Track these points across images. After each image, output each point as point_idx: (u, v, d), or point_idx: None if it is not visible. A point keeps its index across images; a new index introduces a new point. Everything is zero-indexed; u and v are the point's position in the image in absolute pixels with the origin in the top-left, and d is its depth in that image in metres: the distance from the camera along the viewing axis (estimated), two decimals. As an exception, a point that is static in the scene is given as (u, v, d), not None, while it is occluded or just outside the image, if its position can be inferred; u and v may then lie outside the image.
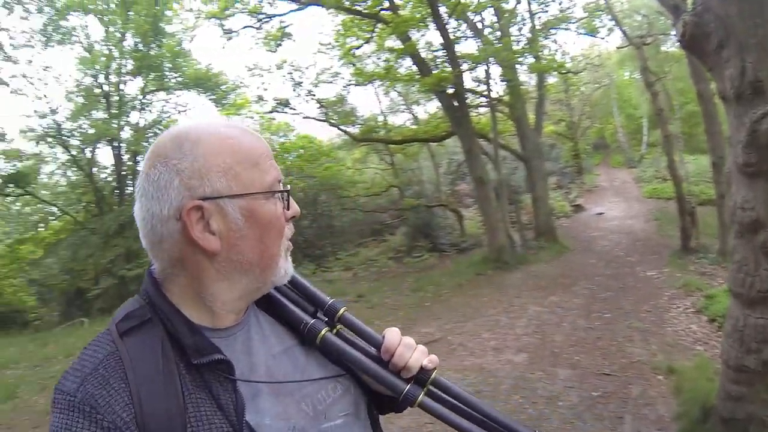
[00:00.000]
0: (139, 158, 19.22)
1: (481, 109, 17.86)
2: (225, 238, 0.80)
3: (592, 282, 10.37)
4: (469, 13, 14.53)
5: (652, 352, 6.11)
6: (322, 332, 0.91)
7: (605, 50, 30.51)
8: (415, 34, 14.19)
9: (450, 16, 12.96)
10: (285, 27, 15.66)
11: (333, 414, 0.89)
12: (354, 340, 0.95)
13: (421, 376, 0.92)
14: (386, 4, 14.22)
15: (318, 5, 14.53)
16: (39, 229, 19.43)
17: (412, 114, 25.89)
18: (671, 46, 24.78)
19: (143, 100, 19.08)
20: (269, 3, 14.96)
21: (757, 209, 3.37)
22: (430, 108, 24.99)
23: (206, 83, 19.34)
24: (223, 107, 19.42)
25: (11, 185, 16.76)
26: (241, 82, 18.48)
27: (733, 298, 3.70)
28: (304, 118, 17.84)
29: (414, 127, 21.33)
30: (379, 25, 15.13)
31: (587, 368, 5.79)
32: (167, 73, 19.04)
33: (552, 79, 20.53)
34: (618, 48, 22.42)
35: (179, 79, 19.33)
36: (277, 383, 0.85)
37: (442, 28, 12.69)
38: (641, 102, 33.56)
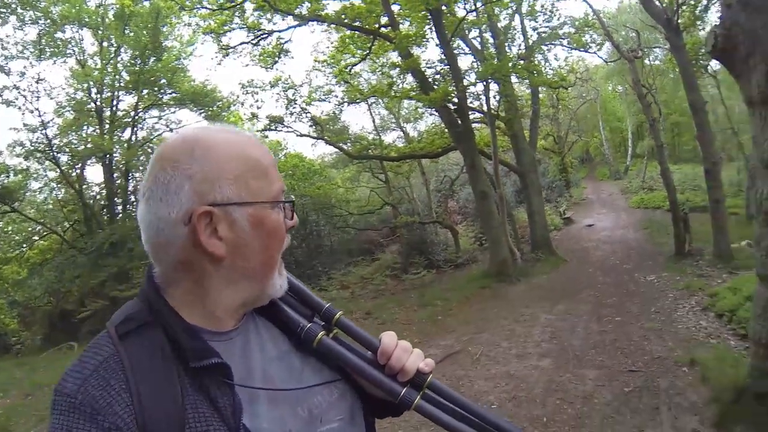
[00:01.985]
0: (131, 175, 19.08)
1: (476, 125, 18.15)
2: (231, 245, 0.81)
3: (595, 290, 10.64)
4: (466, 30, 14.93)
5: (670, 348, 6.37)
6: (319, 336, 0.91)
7: (591, 65, 31.47)
8: (415, 50, 14.37)
9: (452, 34, 13.24)
10: (283, 43, 15.89)
11: (329, 418, 0.90)
12: (350, 344, 0.95)
13: (418, 380, 0.92)
14: (384, 21, 14.50)
15: (318, 21, 14.73)
16: (23, 249, 18.86)
17: (403, 131, 26.27)
18: (654, 59, 25.84)
19: (136, 117, 18.99)
20: (267, 19, 15.12)
21: (782, 199, 3.72)
22: (420, 126, 25.53)
23: (201, 100, 19.24)
24: (216, 125, 19.33)
25: (-4, 202, 16.22)
26: (235, 99, 18.43)
27: (761, 281, 4.07)
28: (299, 136, 17.94)
29: (407, 144, 21.55)
30: (377, 42, 15.41)
31: (612, 367, 6.01)
32: (162, 89, 19.00)
33: (541, 95, 20.95)
34: (608, 62, 23.04)
35: (174, 95, 19.27)
36: (271, 390, 0.86)
37: (446, 43, 12.93)
38: (627, 115, 34.61)
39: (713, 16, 14.61)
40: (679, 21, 12.45)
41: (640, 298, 9.42)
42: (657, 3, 12.42)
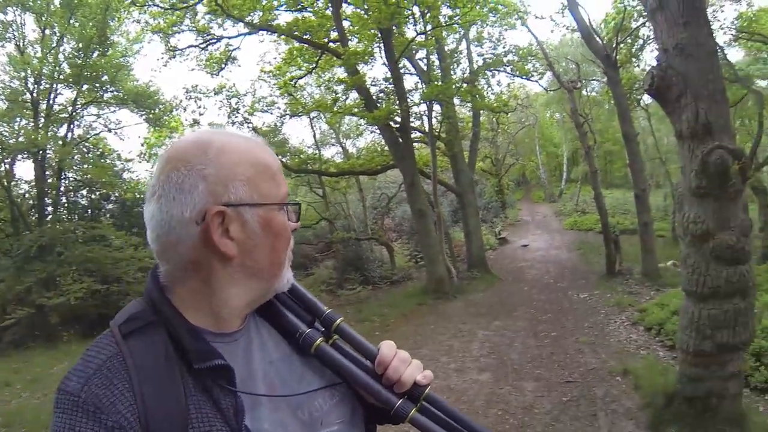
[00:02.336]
0: (64, 174, 18.13)
1: (416, 144, 18.44)
2: (241, 245, 0.82)
3: (531, 306, 11.07)
4: (413, 51, 15.31)
5: (604, 360, 6.83)
6: (317, 342, 0.91)
7: (532, 92, 32.90)
8: (361, 68, 14.50)
9: (400, 55, 13.53)
10: (231, 50, 15.72)
11: (329, 421, 0.90)
12: (349, 351, 0.95)
13: (415, 392, 0.91)
14: (333, 35, 14.64)
15: (269, 31, 14.72)
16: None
17: (343, 147, 26.54)
18: (591, 90, 27.48)
19: (74, 113, 17.87)
20: (218, 24, 14.92)
21: (707, 222, 4.24)
22: (359, 143, 25.77)
23: (143, 101, 18.34)
24: (156, 129, 18.89)
25: None
26: (178, 104, 17.61)
27: (687, 296, 4.51)
28: (239, 147, 17.68)
29: (346, 160, 21.65)
30: (324, 56, 15.52)
31: (550, 379, 6.35)
32: (105, 86, 17.99)
33: (482, 118, 21.63)
34: (548, 90, 24.08)
35: (116, 93, 18.34)
36: (273, 396, 0.86)
37: (393, 63, 13.18)
38: (563, 141, 36.31)
39: (648, 55, 15.91)
40: (617, 57, 13.59)
41: (574, 314, 9.94)
42: (598, 40, 13.41)
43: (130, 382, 0.73)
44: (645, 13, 13.89)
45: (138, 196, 18.06)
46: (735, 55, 23.67)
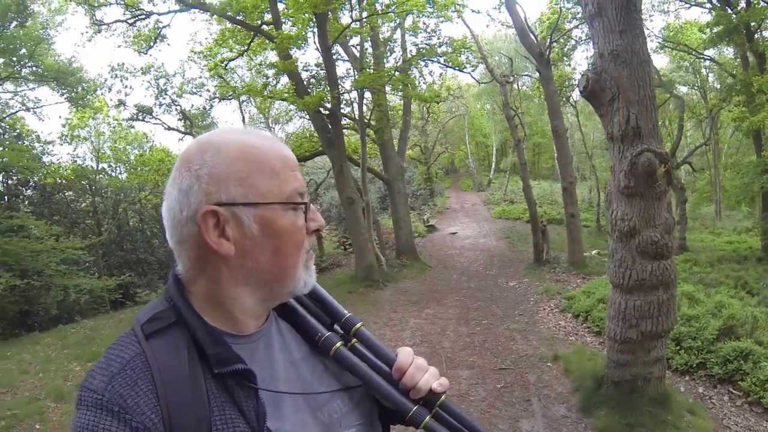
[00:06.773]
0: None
1: (345, 131, 18.38)
2: (239, 245, 0.81)
3: (461, 294, 11.31)
4: (347, 38, 15.20)
5: (535, 347, 7.17)
6: (336, 345, 0.92)
7: (464, 83, 33.43)
8: (293, 52, 14.25)
9: (334, 41, 13.40)
10: (161, 28, 15.04)
11: (348, 423, 0.91)
12: (368, 355, 0.95)
13: (430, 399, 0.92)
14: (267, 18, 14.29)
15: (201, 9, 14.17)
16: None
17: (271, 132, 25.97)
18: (522, 85, 28.38)
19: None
20: (148, -1, 14.25)
21: (634, 220, 4.55)
22: (289, 128, 25.81)
23: (65, 79, 16.99)
24: (79, 109, 17.91)
25: None
26: (102, 83, 16.82)
27: (614, 288, 4.82)
28: (166, 129, 17.20)
29: None
30: (256, 39, 15.16)
31: (484, 366, 6.57)
32: (23, 61, 16.45)
33: (412, 106, 21.74)
34: (480, 83, 24.53)
35: (35, 69, 16.87)
36: (295, 394, 0.87)
37: (326, 49, 13.02)
38: (493, 132, 37.34)
39: (579, 55, 16.67)
40: (550, 55, 14.16)
41: (504, 302, 10.29)
42: (532, 37, 13.88)
43: (153, 383, 0.73)
44: (579, 16, 14.58)
45: (59, 181, 16.98)
46: (660, 61, 25.45)
